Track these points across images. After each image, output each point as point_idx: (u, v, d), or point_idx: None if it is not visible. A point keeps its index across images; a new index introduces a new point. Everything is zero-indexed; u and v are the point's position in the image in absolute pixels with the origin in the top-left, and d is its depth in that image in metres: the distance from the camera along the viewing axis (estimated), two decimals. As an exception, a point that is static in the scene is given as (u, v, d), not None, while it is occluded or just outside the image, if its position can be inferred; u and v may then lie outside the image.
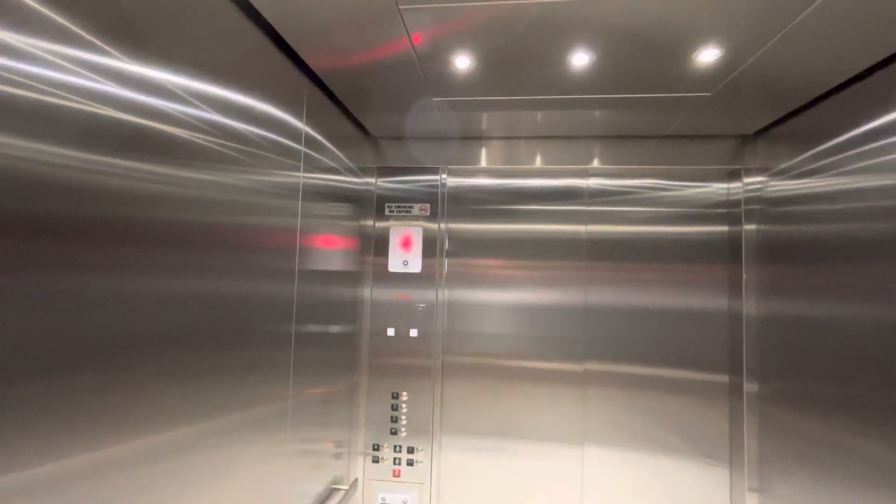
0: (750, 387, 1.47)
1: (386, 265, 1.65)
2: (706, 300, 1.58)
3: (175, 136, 0.71)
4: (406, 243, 1.65)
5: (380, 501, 1.59)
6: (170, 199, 0.70)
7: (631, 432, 1.57)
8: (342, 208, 1.47)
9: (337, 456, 1.52)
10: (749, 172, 1.54)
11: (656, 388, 1.58)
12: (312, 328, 1.25)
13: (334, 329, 1.44)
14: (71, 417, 0.54)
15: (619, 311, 1.61)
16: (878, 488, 0.98)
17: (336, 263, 1.43)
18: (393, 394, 1.62)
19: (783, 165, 1.36)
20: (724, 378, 1.55)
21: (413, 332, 1.62)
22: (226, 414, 0.88)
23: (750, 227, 1.51)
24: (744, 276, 1.49)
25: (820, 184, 1.20)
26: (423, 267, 1.63)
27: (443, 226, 1.66)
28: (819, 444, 1.17)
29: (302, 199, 1.15)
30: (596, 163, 1.62)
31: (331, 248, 1.39)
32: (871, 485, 1.00)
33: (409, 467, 1.59)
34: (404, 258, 1.64)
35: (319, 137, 1.26)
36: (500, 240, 1.67)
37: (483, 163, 1.67)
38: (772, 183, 1.42)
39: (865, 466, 1.02)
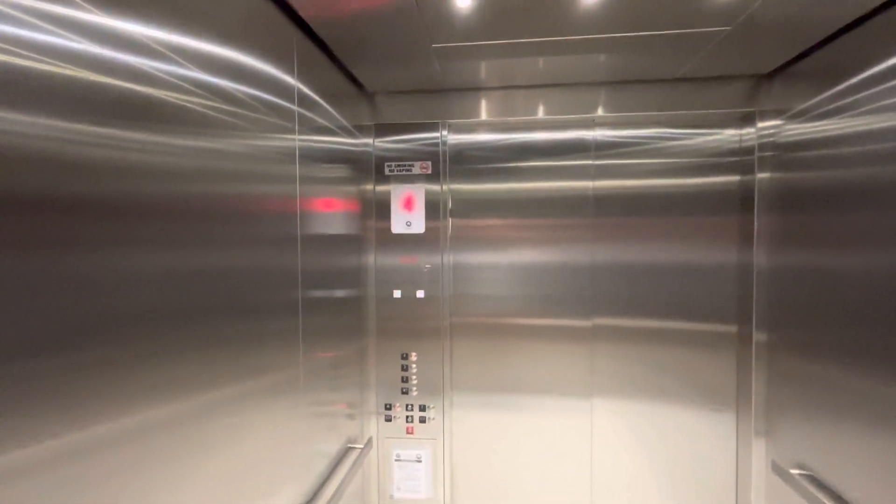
0: (759, 336, 1.47)
1: (389, 227, 1.62)
2: (716, 252, 1.55)
3: (160, 99, 0.66)
4: (408, 203, 1.60)
5: (395, 457, 1.64)
6: (160, 170, 0.66)
7: (639, 384, 1.60)
8: (341, 170, 1.42)
9: (350, 417, 1.54)
10: (763, 116, 1.47)
11: (665, 340, 1.58)
12: (319, 294, 1.23)
13: (340, 294, 1.42)
14: (96, 388, 0.56)
15: (628, 265, 1.59)
16: (891, 427, 1.00)
17: (339, 228, 1.39)
18: (402, 354, 1.63)
19: (801, 106, 1.30)
20: (732, 328, 1.56)
21: (420, 294, 1.61)
22: (239, 382, 0.88)
23: (763, 175, 1.46)
24: (756, 225, 1.46)
25: (840, 125, 1.14)
26: (427, 228, 1.60)
27: (445, 186, 1.61)
28: (829, 388, 1.18)
29: (300, 164, 1.10)
30: (601, 111, 1.55)
31: (332, 213, 1.35)
32: (882, 424, 1.02)
33: (422, 424, 1.63)
34: (407, 219, 1.61)
35: (313, 95, 1.19)
36: (505, 198, 1.63)
37: (484, 116, 1.60)
38: (787, 127, 1.36)
39: (879, 407, 1.02)
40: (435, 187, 1.60)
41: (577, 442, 1.62)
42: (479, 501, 1.67)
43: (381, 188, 1.62)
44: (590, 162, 1.60)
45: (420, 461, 1.63)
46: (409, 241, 1.61)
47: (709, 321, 1.56)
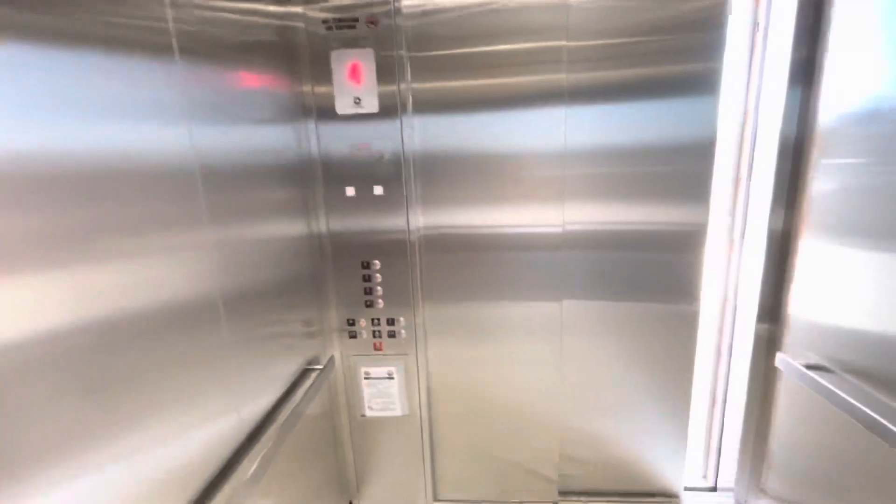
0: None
1: (333, 106, 1.27)
2: (689, 133, 1.27)
3: None
4: (355, 73, 1.24)
5: (363, 375, 1.47)
6: None
7: (608, 284, 1.40)
8: (256, 31, 1.03)
9: (310, 335, 1.33)
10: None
11: (635, 239, 1.36)
12: (237, 198, 0.93)
13: (274, 195, 1.12)
14: None
15: (601, 152, 1.30)
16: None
17: (259, 110, 1.05)
18: (363, 263, 1.38)
19: None
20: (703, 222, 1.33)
21: (378, 190, 1.31)
22: (154, 317, 0.67)
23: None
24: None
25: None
26: (382, 104, 1.26)
27: (402, 51, 1.24)
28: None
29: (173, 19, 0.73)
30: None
31: (248, 88, 0.99)
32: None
33: (392, 339, 1.43)
34: (355, 94, 1.25)
35: None
36: (476, 58, 1.27)
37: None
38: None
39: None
40: (389, 53, 1.23)
41: (550, 335, 1.46)
42: (458, 415, 1.56)
43: (318, 49, 1.24)
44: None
45: (392, 378, 1.46)
46: (359, 124, 1.27)
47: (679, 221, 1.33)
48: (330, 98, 1.26)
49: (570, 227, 1.35)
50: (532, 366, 1.48)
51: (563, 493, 1.62)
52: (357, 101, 1.26)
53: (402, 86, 1.25)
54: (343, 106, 1.26)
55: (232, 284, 0.89)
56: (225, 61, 0.90)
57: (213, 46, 0.86)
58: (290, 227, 1.21)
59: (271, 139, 1.11)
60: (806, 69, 1.14)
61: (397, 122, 1.26)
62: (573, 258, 1.37)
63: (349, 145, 1.29)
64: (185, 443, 0.75)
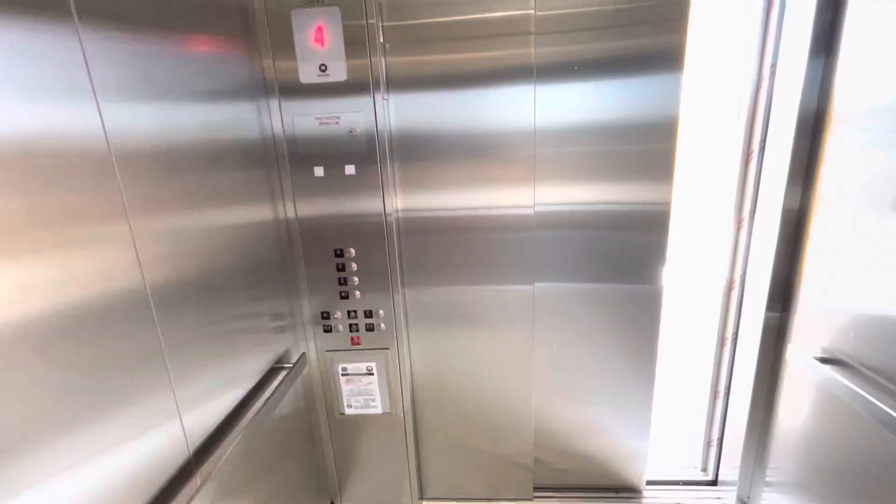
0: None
1: (296, 75, 1.12)
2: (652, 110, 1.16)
3: None
4: (320, 36, 1.09)
5: (340, 371, 1.36)
6: None
7: (577, 265, 1.31)
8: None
9: (280, 330, 1.22)
10: None
11: (604, 219, 1.26)
12: (174, 183, 0.79)
13: (230, 178, 0.98)
14: None
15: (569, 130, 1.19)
16: None
17: (204, 81, 0.90)
18: (336, 251, 1.25)
19: None
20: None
21: (350, 170, 1.18)
22: None
23: None
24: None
25: None
26: (351, 72, 1.11)
27: (371, 20, 1.09)
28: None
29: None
30: None
31: (189, 57, 0.85)
32: None
33: (370, 333, 1.32)
34: (321, 61, 1.11)
35: None
36: (446, 27, 1.12)
37: None
38: None
39: None
40: (358, 20, 1.08)
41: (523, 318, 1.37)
42: (442, 410, 1.46)
43: (277, 13, 1.09)
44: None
45: (372, 373, 1.36)
46: (327, 95, 1.13)
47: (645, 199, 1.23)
48: (292, 68, 1.12)
49: (540, 209, 1.24)
50: (508, 353, 1.38)
51: (539, 489, 1.55)
52: (323, 69, 1.11)
53: (374, 56, 1.10)
54: (307, 74, 1.12)
55: (168, 279, 0.77)
56: (159, 25, 0.76)
57: (130, 7, 0.71)
58: (252, 213, 1.08)
59: (223, 115, 0.96)
60: (829, 38, 1.01)
61: (369, 94, 1.12)
62: (544, 240, 1.28)
63: (316, 120, 1.15)
64: (114, 459, 0.64)
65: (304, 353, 1.26)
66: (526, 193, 1.23)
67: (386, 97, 1.16)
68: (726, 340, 1.43)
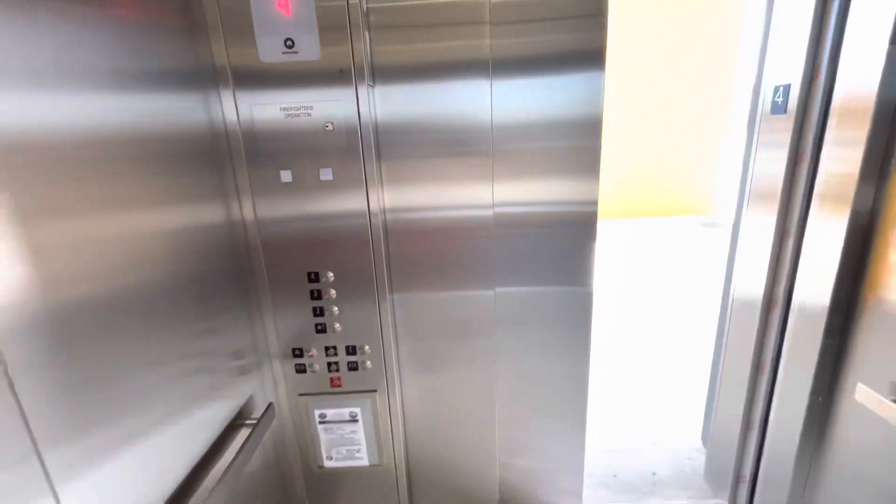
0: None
1: (254, 52, 0.87)
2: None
3: None
4: (285, 1, 0.84)
5: (317, 419, 1.12)
6: None
7: (530, 268, 1.09)
8: None
9: (242, 371, 0.97)
10: None
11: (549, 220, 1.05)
12: (63, 191, 0.54)
13: (159, 184, 0.73)
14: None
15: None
16: None
17: (113, 59, 0.65)
18: (310, 275, 1.01)
19: None
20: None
21: (326, 174, 0.94)
22: None
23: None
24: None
25: None
26: (325, 48, 0.87)
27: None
28: None
29: None
30: None
31: (114, 25, 0.60)
32: None
33: (353, 372, 1.08)
34: (286, 33, 0.86)
35: None
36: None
37: None
38: None
39: None
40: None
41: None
42: (440, 459, 1.23)
43: (225, -29, 0.84)
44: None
45: (356, 420, 1.12)
46: (294, 78, 0.88)
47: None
48: (249, 41, 0.87)
49: (498, 210, 1.03)
50: (469, 370, 1.16)
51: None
52: (289, 44, 0.86)
53: (355, 31, 0.86)
54: (269, 50, 0.87)
55: (60, 319, 0.52)
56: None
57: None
58: (198, 231, 0.83)
59: (143, 105, 0.71)
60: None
61: (350, 75, 0.88)
62: (502, 242, 1.06)
63: (282, 111, 0.90)
64: None
65: (271, 404, 1.01)
66: (485, 193, 1.01)
67: (371, 84, 0.92)
68: (764, 368, 1.25)
